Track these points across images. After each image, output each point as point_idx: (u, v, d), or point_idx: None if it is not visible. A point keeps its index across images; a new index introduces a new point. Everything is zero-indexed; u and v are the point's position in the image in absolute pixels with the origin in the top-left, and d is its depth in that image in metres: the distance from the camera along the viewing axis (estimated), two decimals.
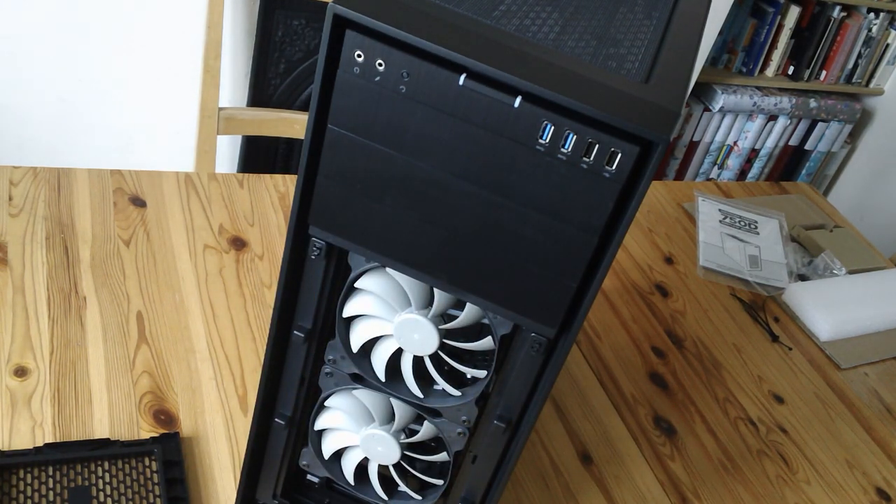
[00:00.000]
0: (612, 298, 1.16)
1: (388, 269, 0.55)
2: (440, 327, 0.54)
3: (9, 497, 0.68)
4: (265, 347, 0.59)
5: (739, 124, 2.62)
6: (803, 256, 1.36)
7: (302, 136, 1.48)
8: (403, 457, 0.62)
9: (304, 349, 0.59)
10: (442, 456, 0.62)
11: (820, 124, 2.74)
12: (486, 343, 0.55)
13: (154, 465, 0.74)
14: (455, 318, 0.55)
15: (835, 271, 1.33)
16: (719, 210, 1.39)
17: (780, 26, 2.46)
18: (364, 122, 0.48)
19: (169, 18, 1.67)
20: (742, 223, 1.38)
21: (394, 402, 0.60)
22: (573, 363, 1.03)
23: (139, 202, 1.02)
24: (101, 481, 0.71)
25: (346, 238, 0.53)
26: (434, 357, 0.56)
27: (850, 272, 1.34)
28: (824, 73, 2.64)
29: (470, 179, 0.47)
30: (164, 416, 0.79)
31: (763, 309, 1.23)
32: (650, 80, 0.48)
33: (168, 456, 0.75)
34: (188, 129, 1.80)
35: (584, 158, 0.45)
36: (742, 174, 2.77)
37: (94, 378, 0.80)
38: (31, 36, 1.61)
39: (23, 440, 0.73)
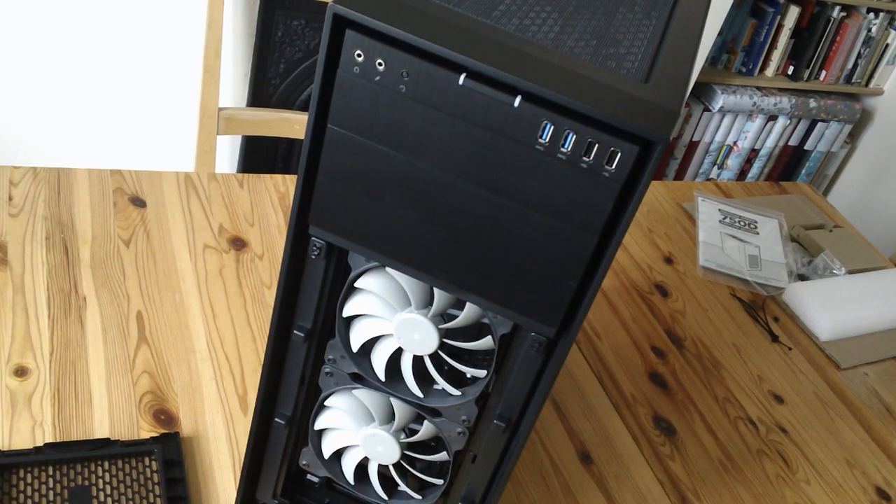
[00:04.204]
0: (611, 298, 1.16)
1: (387, 269, 0.55)
2: (440, 327, 0.54)
3: (9, 497, 0.68)
4: (265, 347, 0.59)
5: (739, 124, 2.62)
6: (803, 256, 1.36)
7: (302, 136, 1.48)
8: (403, 456, 0.62)
9: (304, 349, 0.59)
10: (442, 455, 0.62)
11: (819, 124, 2.74)
12: (486, 343, 0.55)
13: (154, 465, 0.74)
14: (455, 317, 0.55)
15: (834, 271, 1.33)
16: (719, 210, 1.39)
17: (780, 26, 2.46)
18: (364, 121, 0.48)
19: (169, 18, 1.67)
20: (742, 223, 1.38)
21: (394, 401, 0.60)
22: (573, 363, 1.03)
23: (139, 202, 1.02)
24: (101, 481, 0.71)
25: (345, 238, 0.53)
26: (434, 357, 0.56)
27: (850, 272, 1.34)
28: (824, 73, 2.64)
29: (470, 179, 0.48)
30: (164, 415, 0.79)
31: (763, 309, 1.23)
32: (650, 79, 0.48)
33: (168, 456, 0.75)
34: (188, 129, 1.80)
35: (584, 158, 0.45)
36: (742, 174, 2.77)
37: (94, 378, 0.80)
38: (32, 36, 1.61)
39: (23, 440, 0.73)
